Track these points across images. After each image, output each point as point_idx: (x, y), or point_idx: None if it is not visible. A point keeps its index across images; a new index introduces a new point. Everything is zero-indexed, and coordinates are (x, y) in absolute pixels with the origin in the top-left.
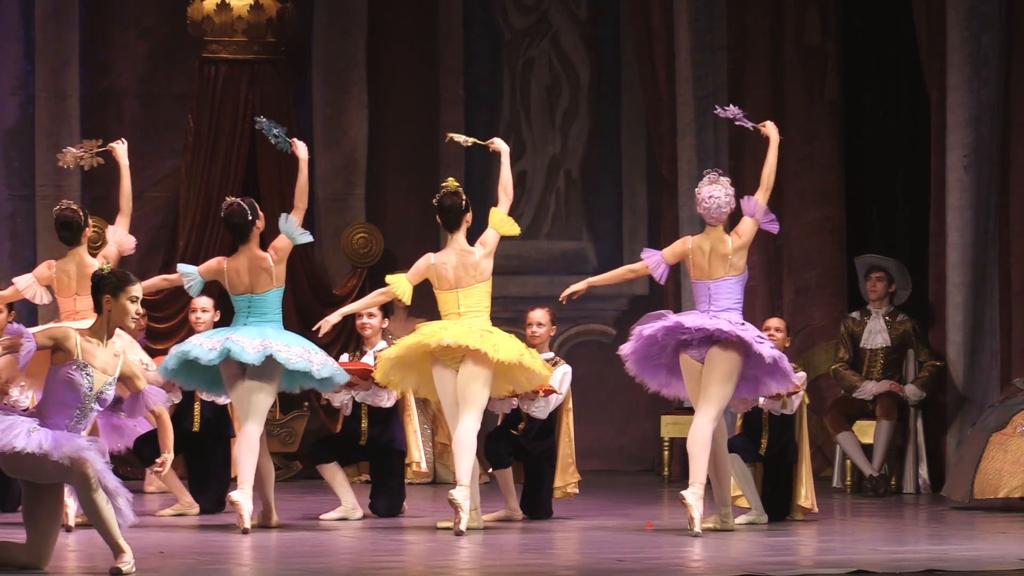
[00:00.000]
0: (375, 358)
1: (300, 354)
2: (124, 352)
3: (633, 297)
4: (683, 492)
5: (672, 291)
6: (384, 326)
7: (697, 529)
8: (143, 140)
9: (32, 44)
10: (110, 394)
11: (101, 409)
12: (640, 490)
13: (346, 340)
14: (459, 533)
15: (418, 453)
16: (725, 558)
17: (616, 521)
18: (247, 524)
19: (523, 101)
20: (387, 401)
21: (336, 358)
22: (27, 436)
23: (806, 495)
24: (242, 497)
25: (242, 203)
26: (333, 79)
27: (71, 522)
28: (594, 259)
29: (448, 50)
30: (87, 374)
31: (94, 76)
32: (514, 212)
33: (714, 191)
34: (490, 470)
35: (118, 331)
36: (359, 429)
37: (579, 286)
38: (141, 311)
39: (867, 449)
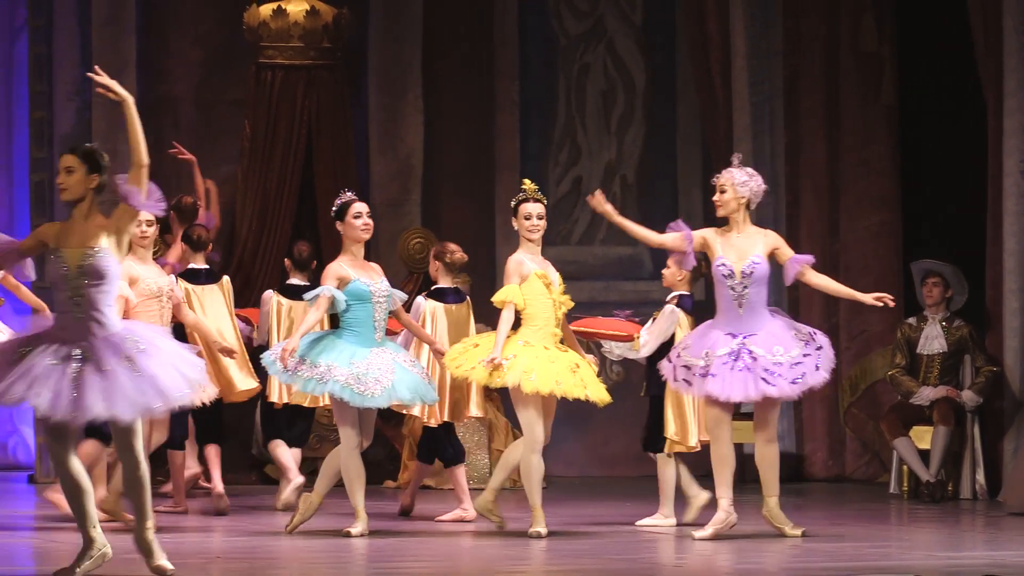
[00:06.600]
0: None
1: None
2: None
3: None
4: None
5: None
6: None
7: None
8: (199, 146)
9: (89, 50)
10: (94, 264)
11: (97, 283)
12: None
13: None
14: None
15: None
16: (776, 565)
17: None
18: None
19: (578, 106)
20: None
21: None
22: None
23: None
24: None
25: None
26: (389, 85)
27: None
28: (649, 264)
29: (503, 56)
30: (59, 256)
31: (150, 82)
32: (569, 218)
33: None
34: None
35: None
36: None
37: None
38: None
39: (924, 455)
